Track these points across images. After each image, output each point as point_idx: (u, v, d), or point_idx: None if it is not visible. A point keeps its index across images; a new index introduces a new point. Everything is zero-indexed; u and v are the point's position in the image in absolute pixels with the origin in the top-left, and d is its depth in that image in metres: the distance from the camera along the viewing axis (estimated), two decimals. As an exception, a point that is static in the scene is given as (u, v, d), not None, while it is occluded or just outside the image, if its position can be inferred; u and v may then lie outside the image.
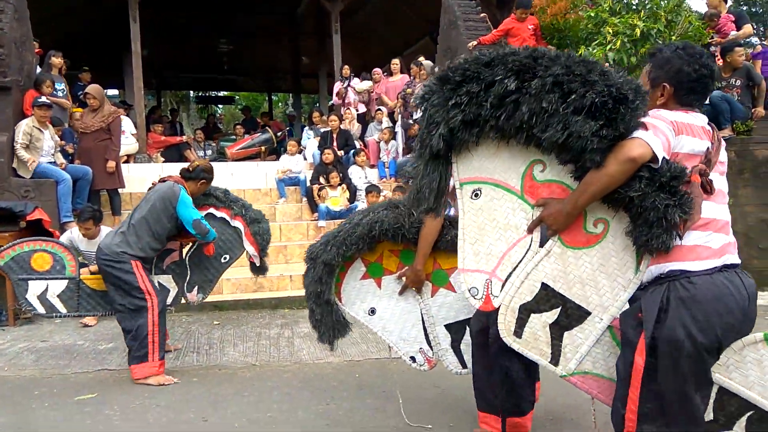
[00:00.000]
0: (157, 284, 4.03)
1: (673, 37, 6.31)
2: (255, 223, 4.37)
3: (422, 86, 2.09)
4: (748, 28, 7.21)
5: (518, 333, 2.07)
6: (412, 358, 2.93)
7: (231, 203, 4.37)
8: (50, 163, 6.45)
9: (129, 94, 9.42)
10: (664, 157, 1.80)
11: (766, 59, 7.15)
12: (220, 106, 26.01)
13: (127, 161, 8.21)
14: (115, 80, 13.49)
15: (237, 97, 24.79)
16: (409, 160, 3.77)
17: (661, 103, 1.98)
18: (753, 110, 6.51)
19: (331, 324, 2.94)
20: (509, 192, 2.07)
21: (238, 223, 4.36)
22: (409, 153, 8.47)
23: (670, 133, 1.84)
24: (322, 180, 7.85)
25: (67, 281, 4.12)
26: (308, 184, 7.98)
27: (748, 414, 1.84)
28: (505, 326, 2.08)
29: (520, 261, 2.05)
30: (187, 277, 4.34)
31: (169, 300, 4.25)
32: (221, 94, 23.17)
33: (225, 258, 4.38)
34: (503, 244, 2.08)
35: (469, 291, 2.12)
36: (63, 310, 4.11)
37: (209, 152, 11.07)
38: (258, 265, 4.46)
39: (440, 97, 2.00)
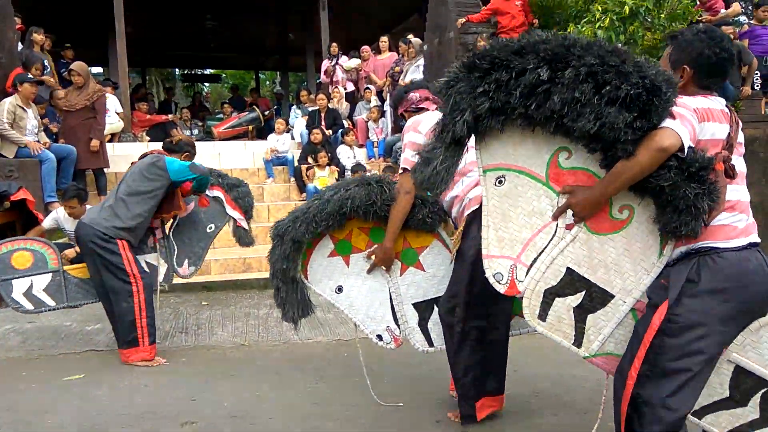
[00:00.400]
0: (144, 264, 4.01)
1: (662, 15, 6.30)
2: (234, 188, 4.42)
3: (447, 72, 2.11)
4: (736, 6, 7.21)
5: (542, 316, 2.12)
6: (379, 337, 2.92)
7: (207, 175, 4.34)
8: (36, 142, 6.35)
9: (113, 71, 9.27)
10: (690, 146, 1.85)
11: (753, 38, 7.15)
12: (207, 84, 25.65)
13: (111, 140, 8.11)
14: (100, 58, 13.25)
15: (224, 75, 24.46)
16: (400, 139, 3.71)
17: (680, 85, 2.02)
18: (740, 89, 6.54)
19: (296, 302, 2.90)
20: (534, 179, 2.10)
21: (217, 192, 4.40)
22: (398, 132, 8.44)
23: (694, 121, 1.88)
24: (310, 160, 7.81)
25: (51, 274, 4.07)
26: (296, 164, 7.94)
27: (763, 391, 1.96)
28: (530, 310, 2.13)
29: (545, 247, 2.10)
30: (175, 253, 4.33)
31: (161, 278, 4.24)
32: (207, 72, 22.82)
33: (210, 227, 4.40)
34: (528, 230, 2.12)
35: (494, 276, 2.16)
36: (51, 303, 4.06)
37: (195, 131, 10.96)
38: (246, 229, 4.46)
39: (467, 85, 2.01)
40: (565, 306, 2.10)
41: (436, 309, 2.85)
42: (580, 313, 2.09)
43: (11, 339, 4.39)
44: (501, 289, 2.15)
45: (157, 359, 3.80)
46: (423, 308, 2.90)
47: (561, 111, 1.90)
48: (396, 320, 2.90)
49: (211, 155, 8.53)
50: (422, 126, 2.71)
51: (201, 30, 14.38)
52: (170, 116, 10.86)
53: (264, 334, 4.40)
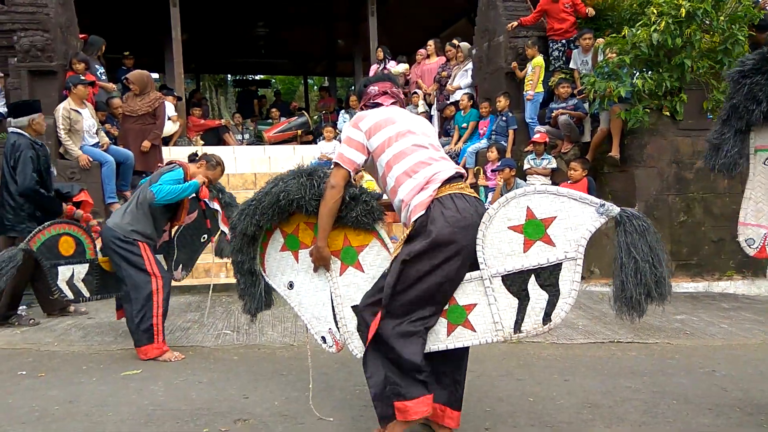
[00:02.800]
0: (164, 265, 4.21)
1: (721, 18, 6.08)
2: (228, 207, 4.60)
3: (740, 62, 2.58)
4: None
5: None
6: (323, 339, 2.77)
7: (210, 187, 4.47)
8: (93, 144, 6.63)
9: (169, 77, 9.59)
10: None
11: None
12: (260, 89, 26.18)
13: (167, 144, 8.38)
14: (156, 64, 13.69)
15: (273, 80, 24.92)
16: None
17: None
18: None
19: (255, 296, 2.84)
20: None
21: (216, 206, 4.59)
22: (446, 136, 8.42)
23: None
24: (358, 164, 7.85)
25: (87, 264, 4.25)
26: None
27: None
28: None
29: None
30: (174, 256, 4.51)
31: None
32: (258, 77, 23.32)
33: (203, 237, 4.62)
34: None
35: (745, 241, 2.57)
36: (87, 294, 4.23)
37: (247, 136, 11.20)
38: (226, 245, 4.58)
39: (764, 77, 2.33)
40: None
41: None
42: None
43: (72, 334, 4.59)
44: (750, 252, 2.53)
45: (177, 354, 3.95)
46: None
47: None
48: (336, 323, 2.71)
49: (261, 159, 8.73)
50: (364, 122, 2.62)
51: (253, 37, 14.75)
52: (223, 121, 11.15)
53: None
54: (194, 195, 4.19)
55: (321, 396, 3.27)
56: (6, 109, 6.95)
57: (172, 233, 4.47)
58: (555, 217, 2.23)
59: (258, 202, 2.66)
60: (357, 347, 2.68)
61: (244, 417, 3.00)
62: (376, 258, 2.63)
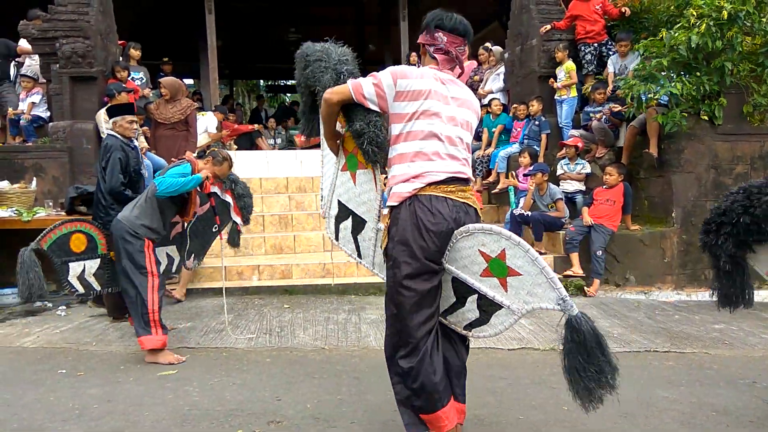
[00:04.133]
0: (165, 255, 4.36)
1: (764, 20, 5.92)
2: (240, 198, 4.73)
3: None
4: None
5: None
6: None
7: (223, 179, 4.64)
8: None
9: (204, 83, 9.76)
10: None
11: None
12: (289, 94, 26.48)
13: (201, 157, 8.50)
14: (191, 70, 13.97)
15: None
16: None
17: None
18: None
19: (309, 121, 2.98)
20: None
21: (228, 197, 4.69)
22: (476, 140, 8.38)
23: None
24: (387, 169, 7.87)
25: (99, 259, 4.36)
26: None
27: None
28: None
29: None
30: (187, 246, 4.63)
31: (174, 267, 4.58)
32: (290, 83, 23.58)
33: (215, 228, 4.73)
34: None
35: None
36: (98, 287, 4.36)
37: (279, 140, 11.33)
38: (240, 232, 4.91)
39: None
40: None
41: (347, 224, 2.86)
42: None
43: (110, 334, 4.70)
44: None
45: (177, 356, 4.05)
46: (343, 210, 2.88)
47: None
48: (323, 197, 2.99)
49: (293, 163, 8.81)
50: (403, 83, 2.42)
51: (285, 42, 14.92)
52: (255, 126, 11.30)
53: (343, 339, 4.48)
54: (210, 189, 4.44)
55: (352, 400, 3.29)
56: (49, 114, 7.20)
57: (185, 225, 4.59)
58: (521, 275, 2.28)
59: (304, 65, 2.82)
60: (330, 231, 3.00)
61: (277, 419, 3.03)
62: (365, 185, 2.74)
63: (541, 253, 5.54)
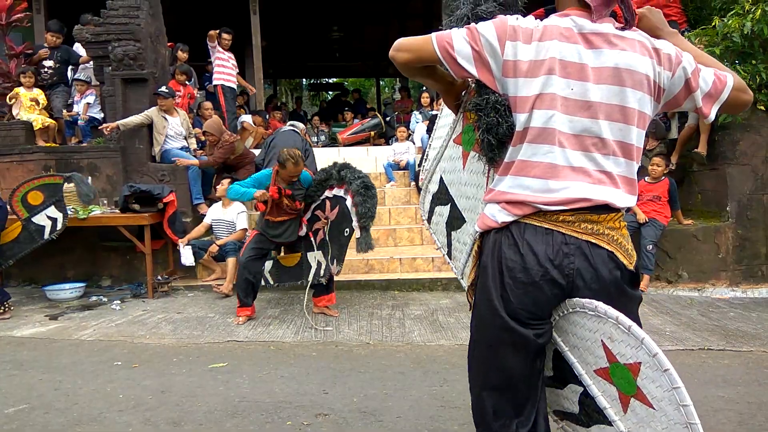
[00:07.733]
0: (315, 260, 4.88)
1: (824, 3, 5.65)
2: (358, 195, 4.70)
3: None
4: None
5: None
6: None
7: (343, 178, 4.83)
8: (182, 148, 6.97)
9: (249, 83, 9.92)
10: None
11: None
12: (330, 92, 26.73)
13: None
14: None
15: (345, 83, 25.33)
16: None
17: None
18: None
19: None
20: None
21: (349, 198, 4.76)
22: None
23: None
24: (431, 164, 7.84)
25: (272, 261, 5.28)
26: (417, 167, 8.02)
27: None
28: None
29: None
30: (330, 252, 4.87)
31: (322, 272, 4.91)
32: (332, 80, 23.79)
33: (346, 231, 4.83)
34: None
35: None
36: (272, 281, 5.29)
37: (322, 138, 11.43)
38: (361, 234, 4.68)
39: None
40: None
41: (443, 211, 2.26)
42: None
43: (163, 328, 4.85)
44: None
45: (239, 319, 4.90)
46: (443, 193, 2.27)
47: None
48: (426, 168, 2.40)
49: (336, 160, 8.86)
50: (516, 50, 1.56)
51: (328, 41, 15.05)
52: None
53: (387, 334, 4.50)
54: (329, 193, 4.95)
55: (398, 395, 3.30)
56: (102, 115, 7.45)
57: (326, 231, 4.91)
58: (653, 408, 1.54)
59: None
60: (425, 211, 2.43)
61: (325, 412, 3.08)
62: (475, 173, 2.02)
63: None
